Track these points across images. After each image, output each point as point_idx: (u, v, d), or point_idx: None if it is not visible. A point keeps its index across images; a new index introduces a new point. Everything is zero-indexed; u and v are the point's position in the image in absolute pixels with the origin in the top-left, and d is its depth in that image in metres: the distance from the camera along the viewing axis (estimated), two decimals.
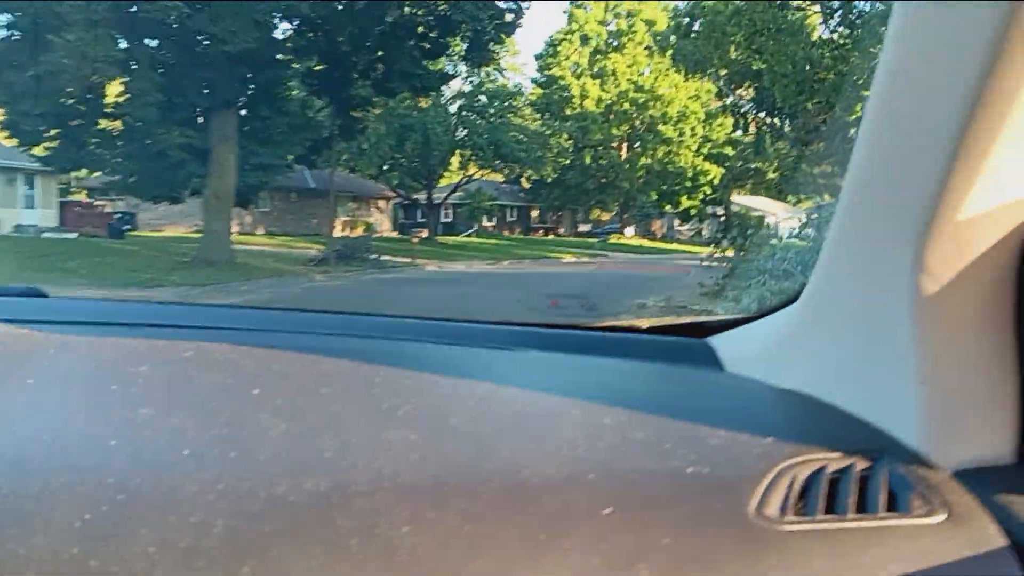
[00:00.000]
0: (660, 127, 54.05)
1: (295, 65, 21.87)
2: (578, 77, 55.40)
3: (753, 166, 63.59)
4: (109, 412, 0.86)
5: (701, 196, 56.21)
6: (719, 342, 1.33)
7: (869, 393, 0.94)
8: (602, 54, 55.83)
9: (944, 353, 0.84)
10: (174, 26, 17.83)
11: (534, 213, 61.50)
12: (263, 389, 0.96)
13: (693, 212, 57.98)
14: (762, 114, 31.98)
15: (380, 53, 21.00)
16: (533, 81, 57.02)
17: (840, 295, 1.00)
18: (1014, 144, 0.72)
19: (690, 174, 54.54)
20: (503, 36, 20.99)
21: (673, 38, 31.09)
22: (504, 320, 1.56)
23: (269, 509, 0.68)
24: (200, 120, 20.19)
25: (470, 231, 56.51)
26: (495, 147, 39.40)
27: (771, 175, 66.25)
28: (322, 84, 21.70)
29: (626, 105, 54.10)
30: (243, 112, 20.56)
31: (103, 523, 0.65)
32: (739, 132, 64.25)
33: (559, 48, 55.65)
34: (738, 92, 32.23)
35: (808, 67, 26.23)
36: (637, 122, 55.43)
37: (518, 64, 38.38)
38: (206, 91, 19.21)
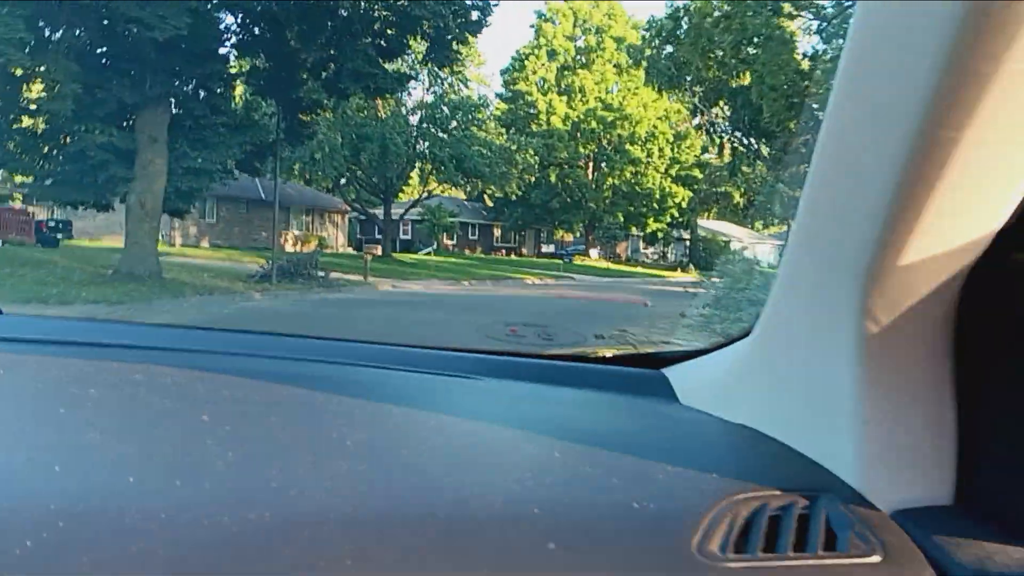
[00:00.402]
0: (628, 147, 52.72)
1: (236, 60, 19.81)
2: (545, 93, 53.94)
3: (722, 189, 62.56)
4: (56, 436, 0.86)
5: (668, 219, 54.86)
6: (675, 374, 1.36)
7: (813, 430, 0.96)
8: (570, 70, 54.45)
9: (885, 394, 0.87)
10: (94, 8, 15.70)
11: (497, 232, 59.69)
12: (212, 415, 0.96)
13: (660, 235, 56.57)
14: (737, 134, 30.58)
15: (332, 51, 19.04)
16: (499, 96, 55.55)
17: (788, 332, 1.01)
18: (955, 192, 0.73)
19: (657, 196, 53.21)
20: (468, 36, 19.14)
21: (648, 51, 29.58)
22: (460, 347, 1.56)
23: (212, 540, 0.69)
24: (126, 118, 18.02)
25: (428, 249, 54.52)
26: (457, 161, 37.55)
27: (738, 199, 65.30)
28: (266, 82, 19.64)
29: (593, 123, 52.70)
30: (175, 110, 18.42)
31: (44, 550, 0.65)
32: (709, 154, 63.34)
33: (526, 63, 54.18)
34: (713, 111, 30.81)
35: (800, 80, 24.91)
36: (604, 141, 54.03)
37: (483, 75, 36.31)
38: (132, 85, 17.05)
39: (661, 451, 0.97)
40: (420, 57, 22.03)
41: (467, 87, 37.62)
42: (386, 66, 19.44)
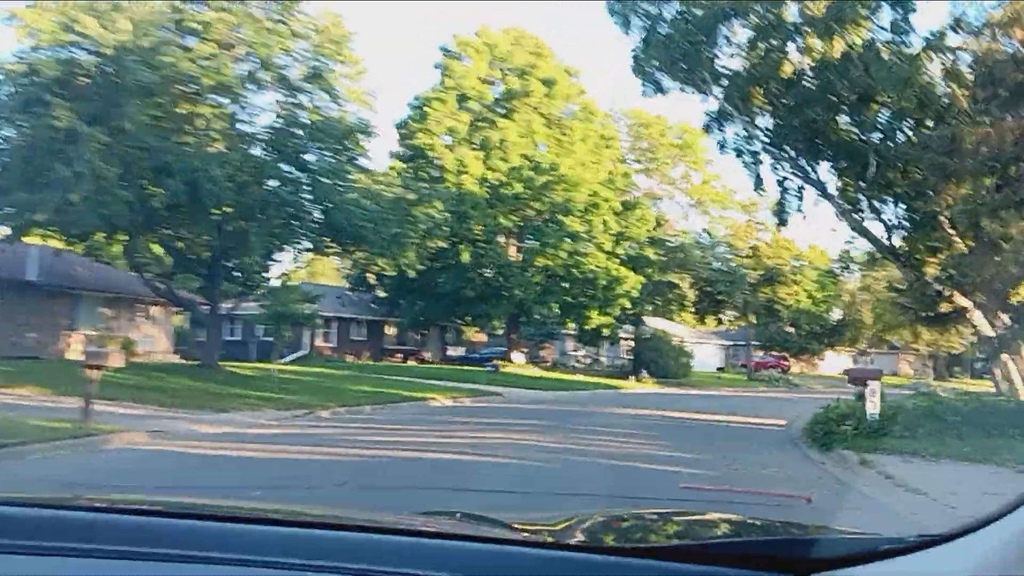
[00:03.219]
0: (563, 218, 40.07)
1: None
2: (453, 148, 41.17)
3: (666, 279, 50.53)
4: None
5: (617, 311, 41.98)
6: None
7: None
8: (486, 121, 42.06)
9: None
10: None
11: (391, 331, 45.56)
12: None
13: (605, 332, 43.54)
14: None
15: None
16: (394, 156, 42.47)
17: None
18: None
19: (603, 282, 40.38)
20: None
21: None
22: (499, 534, 1.40)
23: None
24: None
25: (295, 355, 39.78)
26: (325, 215, 23.83)
27: (686, 289, 53.34)
28: None
29: (518, 187, 39.96)
30: None
31: None
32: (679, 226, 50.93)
33: (429, 110, 41.48)
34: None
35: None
36: (532, 210, 41.29)
37: (363, 92, 22.78)
38: None
39: None
40: None
41: (337, 103, 24.36)
42: None
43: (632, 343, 48.45)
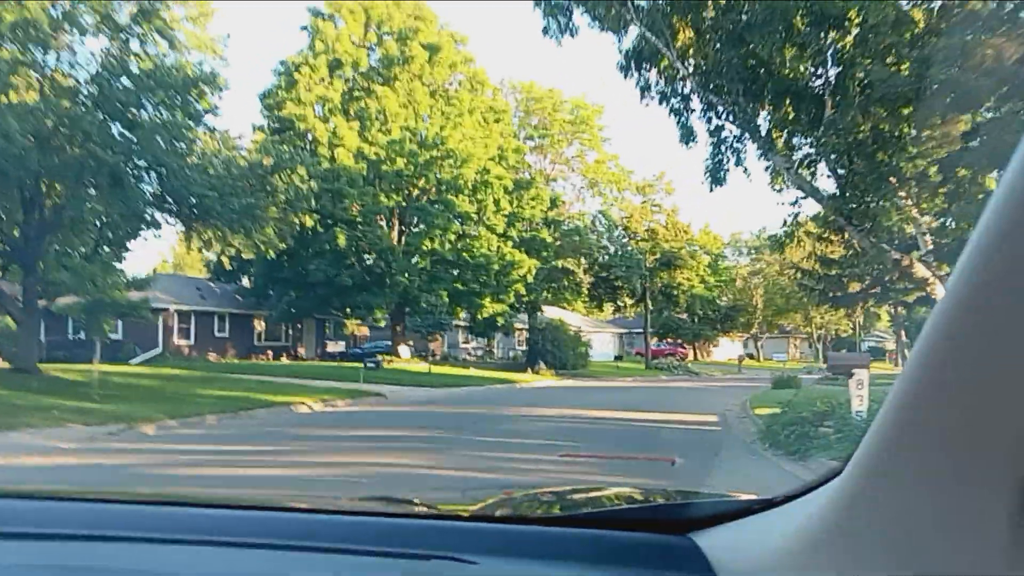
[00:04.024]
0: (451, 197, 36.39)
1: None
2: (326, 119, 36.83)
3: (559, 265, 47.39)
4: None
5: (512, 298, 38.63)
6: (711, 540, 1.12)
7: None
8: (363, 90, 37.84)
9: None
10: None
11: (260, 326, 40.73)
12: None
13: (500, 322, 40.11)
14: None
15: None
16: (258, 129, 37.64)
17: (912, 472, 0.75)
18: None
19: (496, 266, 36.96)
20: None
21: None
22: (439, 511, 1.48)
23: None
24: None
25: (146, 355, 34.70)
26: (160, 182, 19.43)
27: (581, 275, 50.56)
28: None
29: (400, 162, 36.02)
30: None
31: None
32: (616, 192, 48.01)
33: (298, 76, 36.95)
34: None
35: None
36: (416, 189, 37.43)
37: (209, 39, 18.35)
38: None
39: None
40: None
41: (175, 46, 19.83)
42: None
43: (527, 333, 45.28)
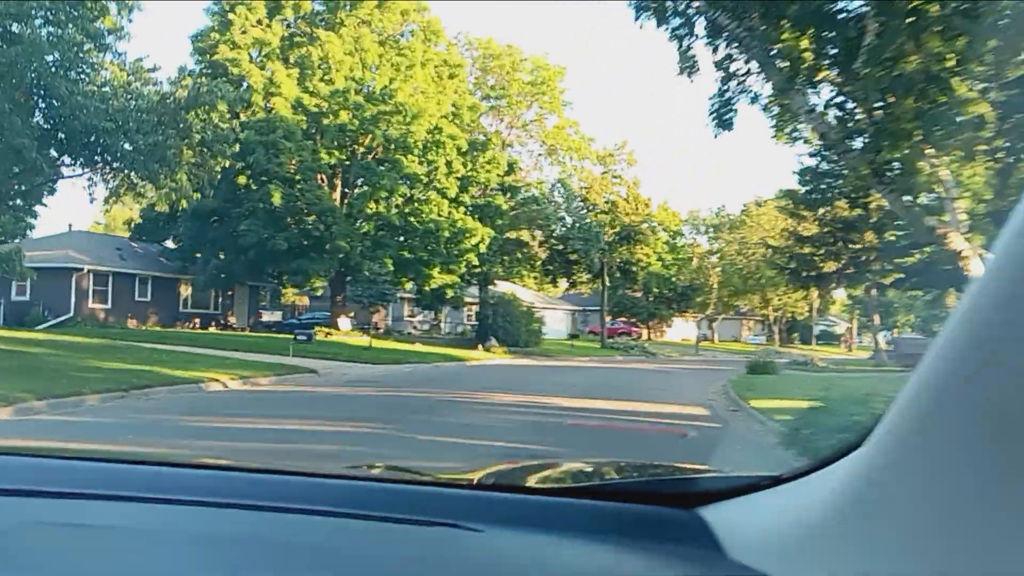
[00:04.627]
0: (400, 157, 33.30)
1: None
2: (263, 66, 33.36)
3: (514, 236, 44.50)
4: None
5: (463, 269, 35.76)
6: (718, 515, 1.10)
7: None
8: (304, 35, 34.39)
9: None
10: None
11: (186, 291, 37.21)
12: None
13: (449, 294, 37.21)
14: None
15: None
16: (188, 74, 33.95)
17: (930, 445, 0.72)
18: None
19: (447, 234, 34.03)
20: None
21: None
22: (433, 478, 1.45)
23: None
24: None
25: (56, 320, 31.17)
26: (49, 114, 16.17)
27: (536, 248, 47.85)
28: None
29: (344, 116, 32.77)
30: None
31: None
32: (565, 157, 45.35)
33: (232, 17, 33.35)
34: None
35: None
36: (362, 146, 34.22)
37: None
38: None
39: None
40: None
41: None
42: None
43: (478, 308, 42.50)
